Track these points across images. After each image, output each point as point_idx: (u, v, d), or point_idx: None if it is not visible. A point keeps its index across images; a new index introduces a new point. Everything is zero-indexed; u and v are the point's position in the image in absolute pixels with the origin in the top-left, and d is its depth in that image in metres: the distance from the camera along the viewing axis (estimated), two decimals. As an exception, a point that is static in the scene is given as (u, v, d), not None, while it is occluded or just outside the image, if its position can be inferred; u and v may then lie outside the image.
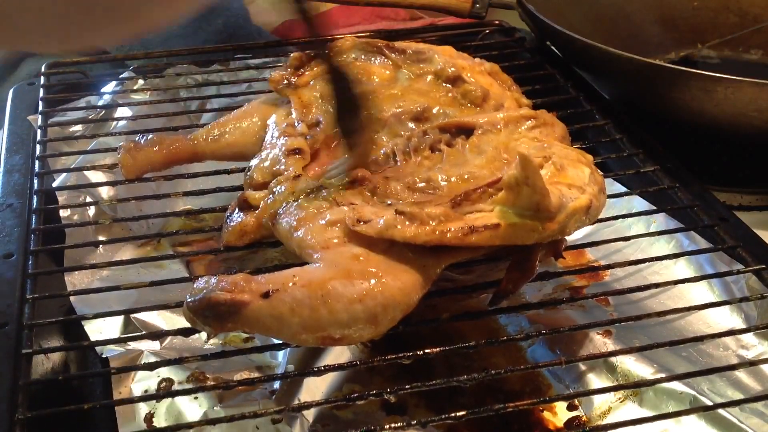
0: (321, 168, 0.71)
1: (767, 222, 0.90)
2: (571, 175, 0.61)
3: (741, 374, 0.65)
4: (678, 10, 1.21)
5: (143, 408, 0.62)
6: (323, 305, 0.53)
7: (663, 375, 0.62)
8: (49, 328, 0.69)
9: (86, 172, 0.84)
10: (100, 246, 0.79)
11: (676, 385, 0.63)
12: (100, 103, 0.97)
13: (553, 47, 1.08)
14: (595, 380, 0.67)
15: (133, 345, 0.67)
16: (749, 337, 0.68)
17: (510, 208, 0.56)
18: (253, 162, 0.73)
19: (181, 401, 0.63)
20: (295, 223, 0.62)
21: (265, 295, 0.53)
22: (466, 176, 0.65)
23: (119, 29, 0.41)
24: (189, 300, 0.53)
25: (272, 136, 0.76)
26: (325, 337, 0.54)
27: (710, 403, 0.61)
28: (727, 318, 0.70)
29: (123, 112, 0.96)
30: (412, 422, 0.56)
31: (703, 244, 0.74)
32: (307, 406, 0.59)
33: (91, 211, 0.81)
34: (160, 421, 0.62)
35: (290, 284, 0.54)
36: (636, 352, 0.63)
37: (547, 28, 1.00)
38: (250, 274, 0.55)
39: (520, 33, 1.12)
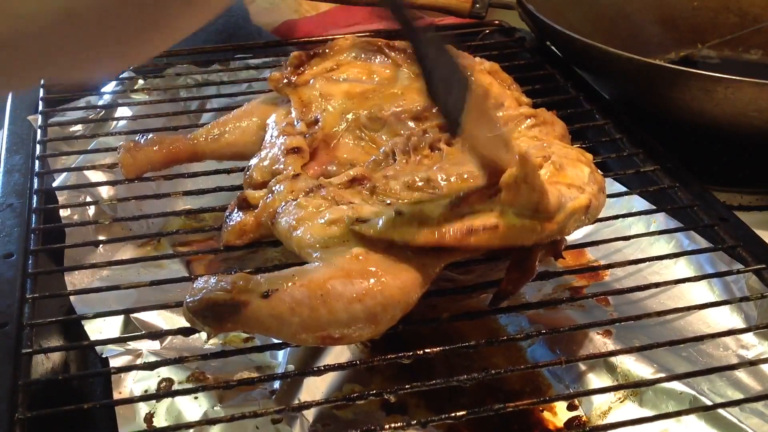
0: (320, 167, 0.71)
1: (767, 222, 0.90)
2: (570, 174, 0.61)
3: (741, 374, 0.65)
4: (678, 10, 1.21)
5: (143, 408, 0.62)
6: (323, 305, 0.53)
7: (663, 375, 0.62)
8: (49, 328, 0.69)
9: (86, 172, 0.84)
10: (100, 246, 0.79)
11: (676, 385, 0.63)
12: (100, 103, 0.97)
13: (553, 47, 1.08)
14: (595, 380, 0.67)
15: (133, 345, 0.67)
16: (749, 337, 0.68)
17: (509, 208, 0.55)
18: (253, 161, 0.73)
19: (181, 401, 0.63)
20: (294, 222, 0.62)
21: (265, 295, 0.53)
22: (465, 175, 0.64)
23: (145, 47, 0.40)
24: (189, 300, 0.53)
25: (271, 136, 0.76)
26: (324, 337, 0.54)
27: (710, 403, 0.61)
28: (727, 318, 0.70)
29: (123, 112, 0.96)
30: (412, 422, 0.56)
31: (703, 243, 0.74)
32: (307, 406, 0.59)
33: (91, 210, 0.81)
34: (160, 421, 0.62)
35: (290, 284, 0.54)
36: (636, 351, 0.63)
37: (547, 28, 1.00)
38: (250, 274, 0.55)
39: (520, 33, 1.12)
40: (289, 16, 1.29)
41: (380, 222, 0.58)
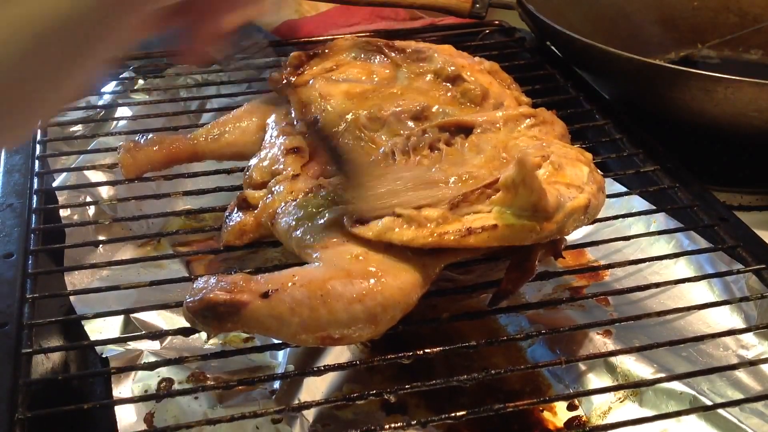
0: (320, 167, 0.71)
1: (767, 222, 0.90)
2: (569, 174, 0.61)
3: (741, 374, 0.65)
4: (678, 10, 1.21)
5: (143, 408, 0.62)
6: (323, 305, 0.53)
7: (663, 375, 0.62)
8: (49, 328, 0.69)
9: (86, 172, 0.84)
10: (100, 246, 0.79)
11: (676, 385, 0.63)
12: (100, 103, 0.97)
13: (553, 47, 1.08)
14: (595, 380, 0.67)
15: (133, 345, 0.67)
16: (749, 337, 0.68)
17: (507, 208, 0.55)
18: (253, 161, 0.73)
19: (181, 401, 0.63)
20: (293, 222, 0.62)
21: (265, 295, 0.53)
22: (465, 176, 0.64)
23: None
24: (188, 300, 0.53)
25: (271, 136, 0.76)
26: (324, 337, 0.54)
27: (710, 403, 0.61)
28: (727, 318, 0.70)
29: (123, 112, 0.96)
30: (412, 422, 0.56)
31: (703, 243, 0.74)
32: (307, 406, 0.59)
33: (91, 210, 0.81)
34: (160, 421, 0.62)
35: (290, 284, 0.54)
36: (636, 352, 0.63)
37: (547, 28, 1.00)
38: (249, 274, 0.55)
39: (520, 33, 1.12)
40: (289, 16, 1.29)
41: (379, 224, 0.58)
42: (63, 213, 0.80)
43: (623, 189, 0.82)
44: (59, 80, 0.34)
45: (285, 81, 0.82)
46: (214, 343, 0.70)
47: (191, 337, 0.64)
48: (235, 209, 0.69)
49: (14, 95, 0.34)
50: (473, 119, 0.72)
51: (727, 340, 0.68)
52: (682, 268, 0.75)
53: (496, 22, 1.14)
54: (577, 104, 0.93)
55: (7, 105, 0.34)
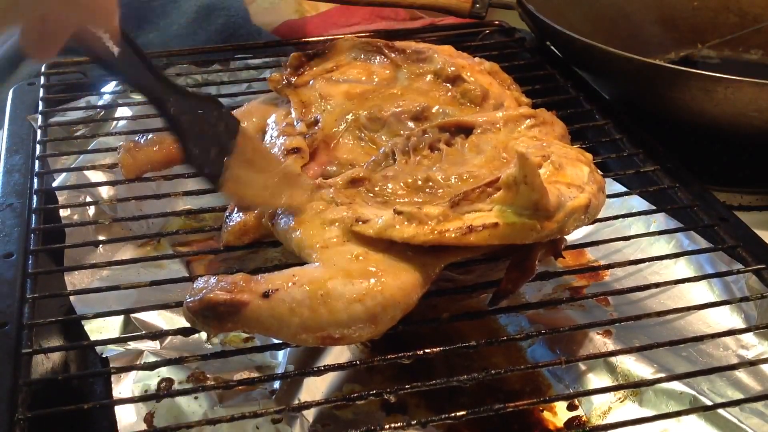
0: (320, 167, 0.71)
1: (767, 222, 0.90)
2: (569, 173, 0.61)
3: (741, 374, 0.65)
4: (678, 10, 1.21)
5: (143, 408, 0.62)
6: (323, 305, 0.53)
7: (663, 375, 0.62)
8: (49, 328, 0.69)
9: (86, 172, 0.84)
10: (100, 246, 0.79)
11: (676, 385, 0.63)
12: (100, 103, 0.97)
13: (553, 47, 1.08)
14: (595, 380, 0.67)
15: (133, 345, 0.67)
16: (749, 337, 0.68)
17: (508, 207, 0.55)
18: (253, 162, 0.73)
19: (181, 401, 0.63)
20: (293, 222, 0.62)
21: (265, 295, 0.53)
22: (465, 176, 0.65)
23: None
24: (189, 300, 0.53)
25: (271, 136, 0.76)
26: (324, 337, 0.54)
27: (710, 403, 0.61)
28: (727, 318, 0.70)
29: (123, 112, 0.96)
30: (412, 422, 0.56)
31: (703, 244, 0.74)
32: (307, 406, 0.59)
33: (91, 210, 0.81)
34: (160, 421, 0.62)
35: (290, 284, 0.54)
36: (636, 352, 0.63)
37: (547, 28, 1.00)
38: (249, 274, 0.55)
39: (520, 33, 1.12)
40: (289, 16, 1.28)
41: (380, 222, 0.58)
42: (63, 213, 0.80)
43: (623, 189, 0.82)
44: None
45: (285, 81, 0.82)
46: (214, 343, 0.70)
47: (191, 337, 0.64)
48: (235, 209, 0.69)
49: None
50: (473, 120, 0.72)
51: (727, 340, 0.68)
52: (682, 268, 0.75)
53: (496, 22, 1.14)
54: (577, 104, 0.93)
55: None
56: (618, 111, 0.93)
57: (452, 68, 0.80)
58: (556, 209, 0.56)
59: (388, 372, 0.68)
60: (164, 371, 0.65)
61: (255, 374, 0.66)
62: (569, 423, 0.64)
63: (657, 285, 0.68)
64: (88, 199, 0.81)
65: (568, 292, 0.76)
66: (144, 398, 0.60)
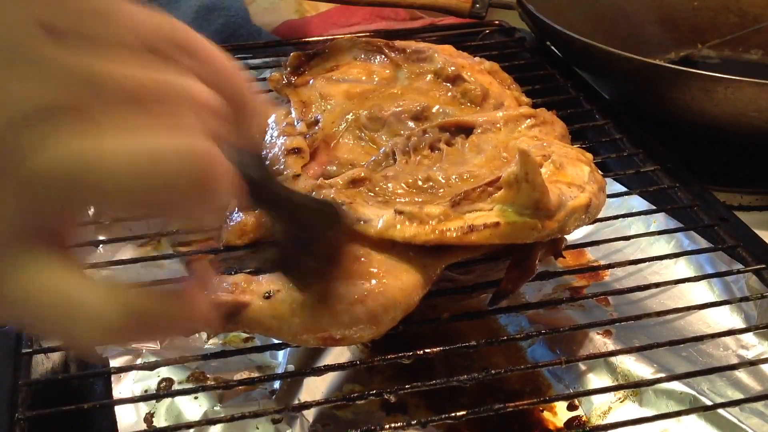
0: (320, 167, 0.71)
1: (767, 222, 0.90)
2: (570, 173, 0.61)
3: (741, 374, 0.65)
4: (678, 10, 1.21)
5: (143, 408, 0.62)
6: (324, 306, 0.53)
7: (663, 375, 0.62)
8: (48, 328, 0.69)
9: (86, 172, 0.84)
10: (100, 246, 0.79)
11: (676, 385, 0.63)
12: (100, 102, 0.97)
13: (553, 47, 1.08)
14: (595, 380, 0.67)
15: (133, 345, 0.66)
16: (749, 337, 0.68)
17: (509, 206, 0.55)
18: (253, 162, 0.73)
19: (181, 401, 0.63)
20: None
21: (266, 296, 0.53)
22: (465, 175, 0.65)
23: None
24: (189, 300, 0.53)
25: (272, 136, 0.76)
26: (325, 338, 0.54)
27: (710, 403, 0.61)
28: (727, 318, 0.70)
29: (123, 111, 0.95)
30: (412, 422, 0.56)
31: (703, 243, 0.74)
32: (307, 406, 0.59)
33: (91, 210, 0.81)
34: (160, 421, 0.62)
35: (291, 285, 0.54)
36: (636, 352, 0.63)
37: (547, 28, 1.00)
38: (250, 275, 0.55)
39: (520, 33, 1.12)
40: (289, 16, 1.28)
41: (381, 222, 0.58)
42: (63, 213, 0.79)
43: (623, 189, 0.82)
44: None
45: (285, 81, 0.82)
46: (214, 343, 0.70)
47: (191, 337, 0.64)
48: (236, 209, 0.69)
49: None
50: (474, 119, 0.72)
51: (727, 340, 0.68)
52: (682, 268, 0.75)
53: (496, 22, 1.14)
54: (577, 104, 0.93)
55: None
56: (618, 111, 0.93)
57: (452, 68, 0.80)
58: (557, 208, 0.56)
59: (388, 372, 0.68)
60: (164, 371, 0.65)
61: (255, 374, 0.66)
62: (569, 423, 0.64)
63: (657, 285, 0.68)
64: (88, 199, 0.81)
65: (568, 292, 0.76)
66: (144, 398, 0.60)
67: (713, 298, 0.71)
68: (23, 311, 0.28)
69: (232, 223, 0.68)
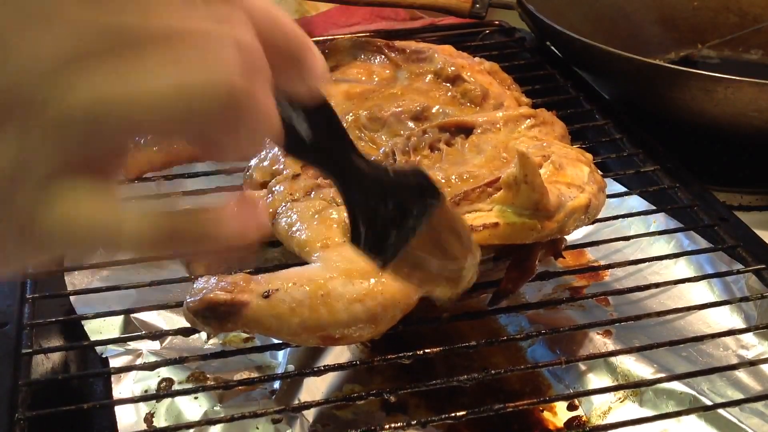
0: (321, 168, 0.71)
1: (767, 222, 0.90)
2: (570, 174, 0.61)
3: (741, 374, 0.65)
4: (678, 10, 1.21)
5: (143, 408, 0.62)
6: (323, 305, 0.53)
7: (663, 375, 0.62)
8: (49, 328, 0.69)
9: (86, 172, 0.84)
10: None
11: (676, 385, 0.63)
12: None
13: (553, 47, 1.08)
14: (595, 380, 0.67)
15: (133, 345, 0.67)
16: (749, 337, 0.68)
17: (509, 207, 0.56)
18: (253, 161, 0.73)
19: (181, 401, 0.63)
20: (294, 222, 0.62)
21: (265, 295, 0.53)
22: (465, 175, 0.65)
23: None
24: (189, 300, 0.53)
25: (272, 136, 0.76)
26: (325, 337, 0.54)
27: (710, 403, 0.61)
28: (727, 318, 0.70)
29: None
30: (412, 422, 0.56)
31: (703, 244, 0.74)
32: (307, 406, 0.59)
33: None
34: (160, 421, 0.62)
35: (290, 284, 0.54)
36: (636, 352, 0.63)
37: (547, 28, 1.00)
38: (250, 274, 0.55)
39: (520, 33, 1.12)
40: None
41: (380, 222, 0.57)
42: (63, 213, 0.79)
43: (623, 189, 0.82)
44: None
45: (285, 81, 0.82)
46: (214, 343, 0.70)
47: (191, 337, 0.64)
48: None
49: None
50: (473, 119, 0.72)
51: (727, 340, 0.68)
52: (682, 268, 0.75)
53: (496, 22, 1.14)
54: (577, 104, 0.93)
55: None
56: (618, 111, 0.93)
57: (452, 68, 0.80)
58: (556, 209, 0.56)
59: (388, 372, 0.68)
60: (164, 371, 0.65)
61: (255, 374, 0.66)
62: (569, 423, 0.64)
63: (657, 285, 0.68)
64: (88, 199, 0.81)
65: (568, 292, 0.76)
66: (144, 398, 0.60)
67: (713, 298, 0.71)
68: (62, 235, 0.30)
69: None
